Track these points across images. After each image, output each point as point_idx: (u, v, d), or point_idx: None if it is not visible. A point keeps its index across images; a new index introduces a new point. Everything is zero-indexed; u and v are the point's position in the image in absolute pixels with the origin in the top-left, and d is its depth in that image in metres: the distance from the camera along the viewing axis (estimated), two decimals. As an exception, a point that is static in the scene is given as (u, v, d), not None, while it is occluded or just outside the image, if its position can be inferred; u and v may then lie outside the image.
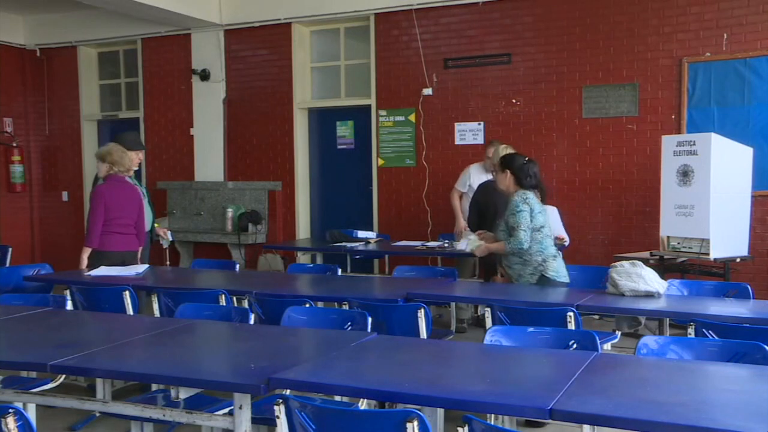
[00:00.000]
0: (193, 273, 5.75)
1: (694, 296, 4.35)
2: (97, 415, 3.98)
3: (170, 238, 6.33)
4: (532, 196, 4.64)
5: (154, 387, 3.65)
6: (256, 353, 3.02)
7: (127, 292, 4.42)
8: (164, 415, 2.83)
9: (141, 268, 5.26)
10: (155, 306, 4.43)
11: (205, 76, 8.84)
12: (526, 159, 4.75)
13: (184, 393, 2.76)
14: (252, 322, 3.79)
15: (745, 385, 2.55)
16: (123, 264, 5.30)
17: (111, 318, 3.97)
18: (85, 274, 5.09)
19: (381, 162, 8.21)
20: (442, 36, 7.83)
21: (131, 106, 9.68)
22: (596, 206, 7.24)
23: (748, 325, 3.40)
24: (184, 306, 3.89)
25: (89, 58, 9.84)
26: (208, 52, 8.84)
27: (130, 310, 4.40)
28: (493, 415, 3.05)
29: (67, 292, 4.61)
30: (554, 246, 4.74)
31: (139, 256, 5.60)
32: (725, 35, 6.65)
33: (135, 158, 5.90)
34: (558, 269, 4.61)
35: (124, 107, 9.80)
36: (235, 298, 4.54)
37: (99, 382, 3.73)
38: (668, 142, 6.01)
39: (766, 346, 2.83)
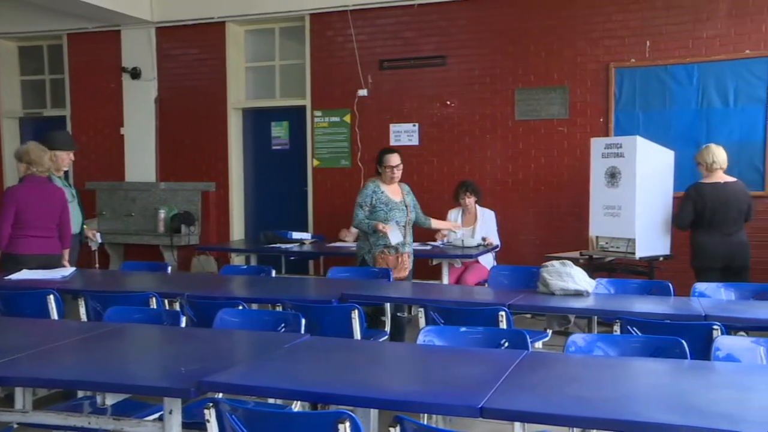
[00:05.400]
0: (122, 275, 5.59)
1: (621, 294, 4.47)
2: (15, 426, 3.80)
3: (99, 240, 6.16)
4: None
5: (80, 394, 3.53)
6: (186, 356, 2.95)
7: (51, 296, 4.26)
8: (89, 423, 2.74)
9: (67, 271, 5.09)
10: (82, 310, 4.29)
11: (135, 74, 8.63)
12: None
13: (111, 399, 2.68)
14: (183, 325, 3.72)
15: (665, 378, 2.64)
16: (45, 268, 5.10)
17: (33, 323, 3.81)
18: (6, 278, 4.88)
19: (316, 163, 8.18)
20: (377, 37, 7.86)
21: (57, 103, 9.36)
22: (528, 207, 7.39)
23: (669, 321, 3.53)
24: (112, 309, 3.78)
25: (8, 52, 9.46)
26: (138, 50, 8.64)
27: (54, 315, 4.24)
28: (426, 415, 3.08)
29: (-15, 297, 4.41)
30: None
31: (67, 258, 5.41)
32: (647, 43, 6.90)
33: (65, 158, 5.73)
34: None
35: (49, 105, 9.47)
36: (166, 301, 4.43)
37: (18, 391, 3.56)
38: (597, 145, 6.18)
39: (683, 341, 2.94)
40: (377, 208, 5.41)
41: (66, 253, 5.43)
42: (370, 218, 5.39)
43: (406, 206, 5.51)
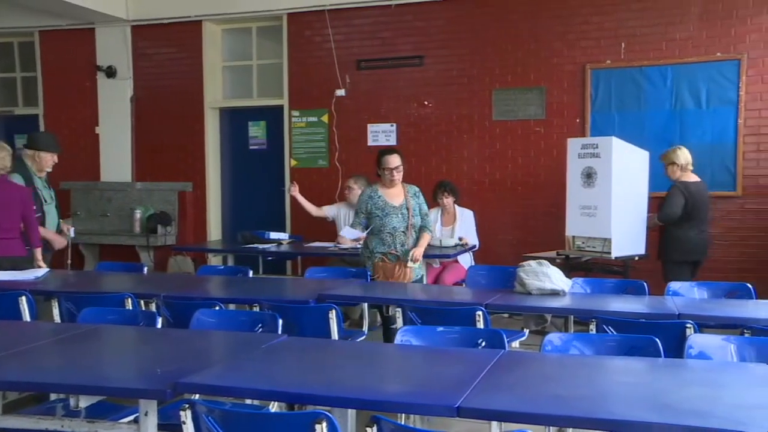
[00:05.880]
0: (97, 276, 5.53)
1: (597, 294, 4.52)
2: (-17, 431, 3.76)
3: (72, 235, 6.08)
4: None
5: (53, 397, 3.48)
6: (162, 357, 2.93)
7: (23, 298, 4.20)
8: (63, 426, 2.69)
9: (40, 272, 5.02)
10: (55, 311, 4.24)
11: (111, 73, 8.54)
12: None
13: (84, 401, 2.64)
14: (159, 325, 3.68)
15: (640, 377, 2.67)
16: (12, 270, 5.00)
17: (4, 326, 3.75)
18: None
19: (294, 163, 8.15)
20: (354, 37, 7.85)
21: (29, 102, 9.22)
22: (505, 207, 7.43)
23: (643, 320, 3.57)
24: (86, 311, 3.74)
25: (-24, 48, 9.32)
26: (113, 49, 8.54)
27: (27, 317, 4.18)
28: (403, 415, 3.09)
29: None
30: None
31: (40, 257, 5.31)
32: (622, 44, 6.97)
33: (49, 160, 5.69)
34: None
35: (21, 103, 9.32)
36: (142, 302, 4.39)
37: (-13, 394, 3.52)
38: (573, 145, 6.22)
39: (657, 340, 2.98)
40: (373, 214, 5.15)
41: (38, 252, 5.33)
42: (369, 225, 5.18)
43: (407, 210, 5.15)
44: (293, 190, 6.94)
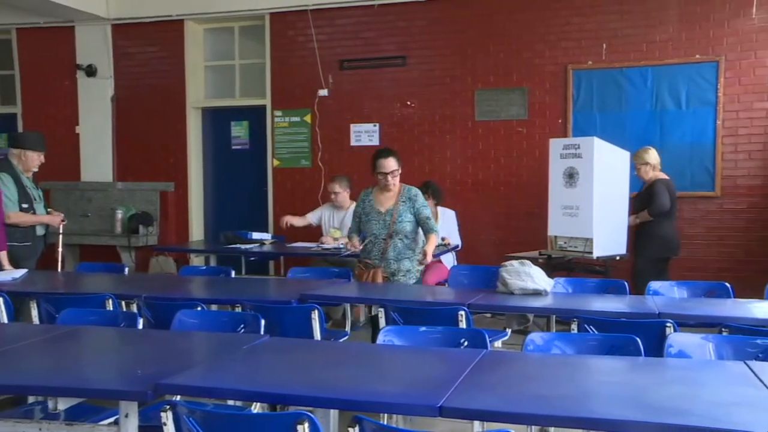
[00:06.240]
0: (77, 277, 5.48)
1: (578, 293, 4.55)
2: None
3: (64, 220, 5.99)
4: None
5: (31, 399, 3.44)
6: (143, 359, 2.91)
7: (0, 299, 4.15)
8: (41, 429, 2.66)
9: (18, 272, 4.97)
10: (34, 313, 4.19)
11: (91, 72, 8.47)
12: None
13: (63, 404, 2.61)
14: (140, 326, 3.66)
15: (621, 376, 2.69)
16: None
17: (-18, 327, 3.72)
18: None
19: (276, 163, 8.13)
20: (337, 37, 7.84)
21: (7, 100, 9.12)
22: (488, 207, 7.46)
23: (624, 319, 3.60)
24: (66, 312, 3.70)
25: (-49, 45, 9.19)
26: (94, 47, 8.47)
27: (4, 318, 4.13)
28: (386, 415, 3.09)
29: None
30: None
31: (5, 260, 5.24)
32: (604, 45, 7.02)
33: (35, 159, 5.63)
34: None
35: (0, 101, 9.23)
36: (123, 303, 4.36)
37: (-37, 398, 3.48)
38: (555, 145, 6.26)
39: (638, 339, 3.00)
40: (362, 218, 4.97)
41: (3, 255, 5.25)
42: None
43: (390, 217, 4.82)
44: (285, 222, 6.79)
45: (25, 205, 5.52)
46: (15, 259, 5.35)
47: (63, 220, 5.87)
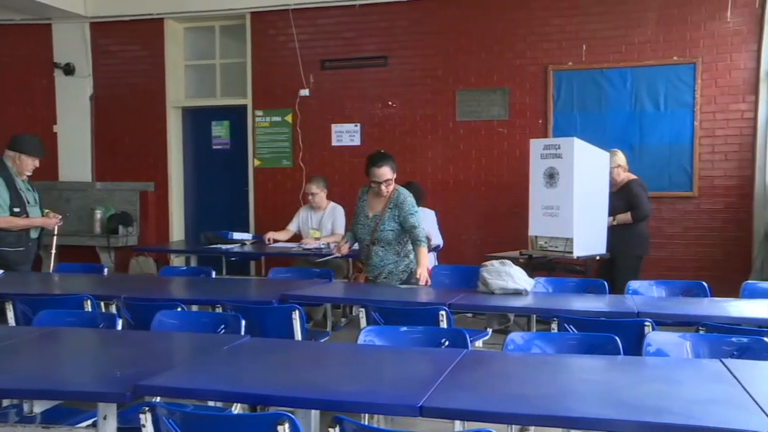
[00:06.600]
0: (55, 278, 5.42)
1: (558, 293, 4.58)
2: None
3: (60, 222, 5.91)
4: None
5: (5, 402, 3.39)
6: (122, 360, 2.88)
7: (-25, 301, 4.10)
8: (17, 432, 2.64)
9: (-7, 272, 4.91)
10: (10, 314, 4.13)
11: (69, 70, 8.39)
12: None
13: (39, 407, 2.57)
14: (120, 327, 3.63)
15: (600, 375, 2.71)
16: None
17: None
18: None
19: (257, 163, 8.10)
20: (318, 37, 7.83)
21: (-17, 99, 9.00)
22: (469, 207, 7.48)
23: (604, 318, 3.63)
24: (43, 313, 3.66)
25: None
26: (72, 45, 8.39)
27: (-21, 320, 4.08)
28: (367, 415, 3.09)
29: None
30: None
31: None
32: (584, 47, 7.07)
33: (29, 163, 5.57)
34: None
35: (-25, 100, 9.10)
36: (102, 304, 4.32)
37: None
38: (536, 146, 6.28)
39: (617, 338, 3.03)
40: (354, 219, 4.91)
41: None
42: None
43: (375, 223, 4.73)
44: (268, 239, 6.75)
45: (17, 209, 5.41)
46: (8, 264, 5.28)
47: (59, 222, 5.79)
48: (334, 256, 5.15)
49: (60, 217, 5.83)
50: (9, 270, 5.13)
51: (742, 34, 6.71)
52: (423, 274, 4.54)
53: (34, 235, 5.61)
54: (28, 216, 5.52)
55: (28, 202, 5.56)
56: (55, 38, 8.46)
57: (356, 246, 5.01)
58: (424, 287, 4.54)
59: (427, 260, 4.61)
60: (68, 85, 8.46)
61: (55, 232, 5.86)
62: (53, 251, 5.94)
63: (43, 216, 5.72)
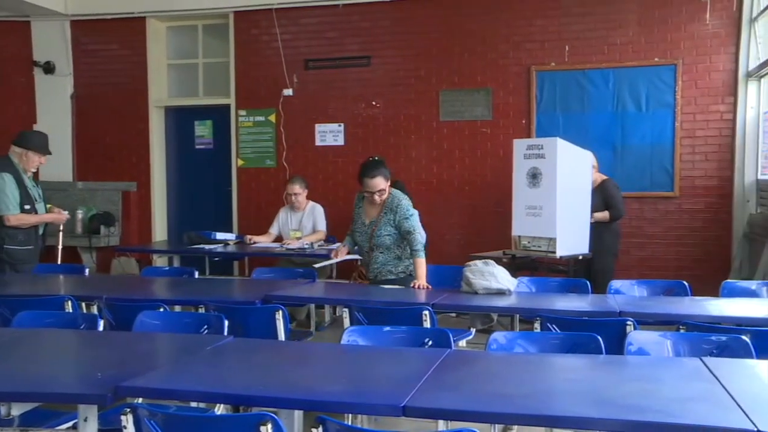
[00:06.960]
0: (35, 278, 5.35)
1: (541, 293, 4.59)
2: None
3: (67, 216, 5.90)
4: None
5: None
6: (104, 361, 2.86)
7: (-47, 302, 4.04)
8: (-6, 435, 2.60)
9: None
10: (-12, 316, 4.09)
11: (49, 69, 8.31)
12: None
13: (17, 409, 2.53)
14: (101, 328, 3.59)
15: (582, 374, 2.73)
16: None
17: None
18: None
19: (241, 162, 8.07)
20: (302, 37, 7.82)
21: (-40, 97, 8.89)
22: (453, 207, 7.50)
23: (586, 318, 3.65)
24: (22, 314, 3.62)
25: None
26: (52, 44, 8.31)
27: (-42, 321, 4.02)
28: (350, 415, 3.08)
29: None
30: None
31: None
32: (566, 47, 7.11)
33: (36, 160, 5.53)
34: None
35: (-49, 98, 8.98)
36: (83, 304, 4.28)
37: None
38: (519, 146, 6.30)
39: (599, 337, 3.05)
40: (353, 225, 4.89)
41: None
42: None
43: (371, 230, 4.69)
44: (249, 240, 6.77)
45: (27, 207, 5.37)
46: (17, 263, 5.23)
47: (68, 217, 5.79)
48: (332, 261, 5.16)
49: (67, 212, 5.80)
50: (16, 269, 5.04)
51: (720, 37, 6.78)
52: (423, 286, 4.49)
53: (40, 232, 5.56)
54: (37, 213, 5.47)
55: (35, 200, 5.52)
56: (35, 36, 8.37)
57: (356, 248, 4.99)
58: (410, 289, 4.53)
59: (425, 270, 4.58)
60: (48, 84, 8.38)
61: (61, 228, 5.84)
62: (60, 247, 5.90)
63: (47, 212, 5.67)
